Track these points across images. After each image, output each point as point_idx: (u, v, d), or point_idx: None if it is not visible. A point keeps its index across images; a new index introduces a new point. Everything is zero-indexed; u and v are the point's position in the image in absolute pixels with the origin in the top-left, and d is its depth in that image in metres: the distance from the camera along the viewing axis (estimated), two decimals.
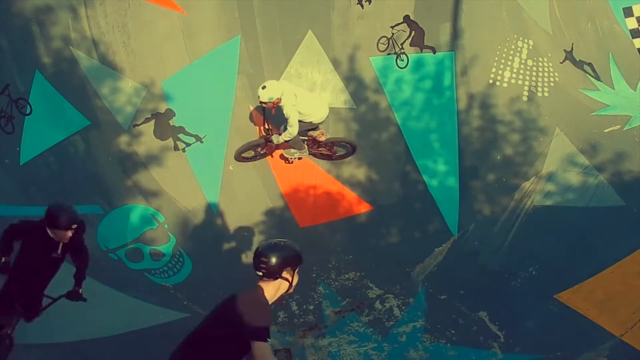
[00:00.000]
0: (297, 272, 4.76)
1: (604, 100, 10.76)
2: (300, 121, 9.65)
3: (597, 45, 11.50)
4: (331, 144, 10.30)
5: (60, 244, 6.24)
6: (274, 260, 4.56)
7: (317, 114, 9.80)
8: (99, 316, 7.99)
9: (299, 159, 10.38)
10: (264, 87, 9.31)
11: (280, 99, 9.34)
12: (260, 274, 4.58)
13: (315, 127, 10.09)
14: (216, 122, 10.36)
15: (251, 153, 10.34)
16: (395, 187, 10.41)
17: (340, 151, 10.46)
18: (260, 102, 9.48)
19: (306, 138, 10.14)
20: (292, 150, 10.23)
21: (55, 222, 6.03)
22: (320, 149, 10.34)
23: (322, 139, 10.16)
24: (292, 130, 9.61)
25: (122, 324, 8.04)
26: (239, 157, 10.25)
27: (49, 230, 6.08)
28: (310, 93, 10.14)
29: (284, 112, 9.49)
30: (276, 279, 4.61)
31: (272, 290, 4.63)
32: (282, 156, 10.46)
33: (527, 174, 10.03)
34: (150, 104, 10.14)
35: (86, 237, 8.94)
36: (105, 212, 9.37)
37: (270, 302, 4.61)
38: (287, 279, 4.67)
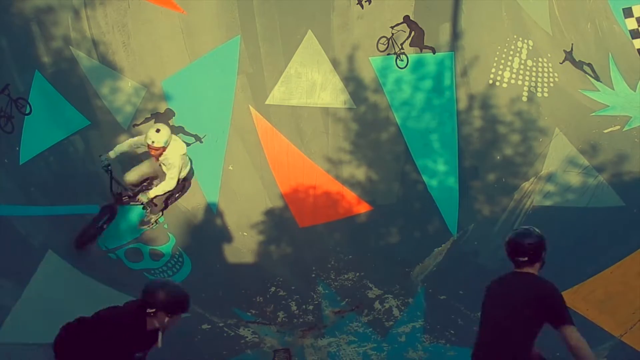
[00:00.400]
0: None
1: (603, 101, 10.77)
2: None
3: (596, 46, 11.50)
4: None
5: (161, 334, 4.75)
6: (539, 244, 5.02)
7: (186, 169, 9.09)
8: None
9: (156, 223, 9.44)
10: (158, 131, 8.37)
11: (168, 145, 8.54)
12: (526, 259, 5.01)
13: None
14: (216, 122, 10.36)
15: (90, 231, 8.71)
16: (395, 187, 10.41)
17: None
18: (151, 148, 8.44)
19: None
20: (146, 220, 9.27)
21: (184, 305, 4.81)
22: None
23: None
24: (172, 182, 8.68)
25: None
26: (81, 245, 8.53)
27: (166, 317, 4.67)
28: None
29: (170, 160, 8.59)
30: (539, 261, 5.06)
31: (537, 272, 5.06)
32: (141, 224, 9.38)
33: (527, 174, 10.03)
34: (149, 103, 10.15)
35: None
36: None
37: None
38: (544, 260, 5.09)
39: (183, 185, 9.39)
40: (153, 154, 8.58)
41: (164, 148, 8.49)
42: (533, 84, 10.73)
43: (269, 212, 10.17)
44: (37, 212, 8.88)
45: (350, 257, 9.74)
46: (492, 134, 10.48)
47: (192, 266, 9.33)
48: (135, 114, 10.04)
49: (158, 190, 8.64)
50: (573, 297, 8.38)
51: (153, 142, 8.37)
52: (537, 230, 5.10)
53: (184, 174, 9.04)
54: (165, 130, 8.46)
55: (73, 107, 9.64)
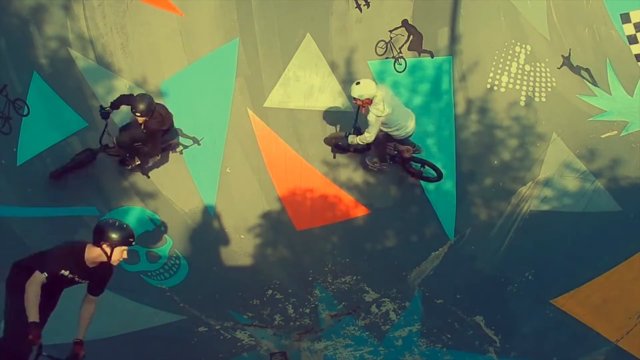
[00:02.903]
0: None
1: (601, 106, 10.79)
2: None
3: (594, 51, 11.52)
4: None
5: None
6: None
7: (404, 129, 9.44)
8: (95, 317, 7.97)
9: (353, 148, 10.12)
10: (357, 83, 9.11)
11: (371, 101, 9.04)
12: None
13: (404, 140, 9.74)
14: (214, 124, 10.35)
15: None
16: (392, 191, 10.41)
17: (430, 172, 10.16)
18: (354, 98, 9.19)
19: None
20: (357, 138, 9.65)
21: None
22: (405, 165, 10.19)
23: (407, 155, 9.81)
24: (369, 137, 9.32)
25: (118, 326, 8.02)
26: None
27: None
28: (403, 107, 9.57)
29: (368, 117, 9.20)
30: None
31: None
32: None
33: (524, 179, 10.05)
34: None
35: (82, 238, 8.97)
36: (102, 214, 9.35)
37: None
38: None
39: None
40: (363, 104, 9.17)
41: (362, 101, 9.11)
42: (531, 88, 10.75)
43: (266, 215, 10.16)
44: (33, 214, 8.86)
45: (347, 260, 9.74)
46: (490, 138, 10.49)
47: (189, 268, 9.32)
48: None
49: (360, 139, 9.42)
50: (569, 302, 8.40)
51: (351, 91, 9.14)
52: None
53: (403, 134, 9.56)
54: (365, 85, 9.09)
55: (71, 108, 9.62)
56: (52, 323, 7.58)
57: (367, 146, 9.82)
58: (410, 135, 9.54)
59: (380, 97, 9.03)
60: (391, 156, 9.97)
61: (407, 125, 9.37)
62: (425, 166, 9.95)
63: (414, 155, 9.80)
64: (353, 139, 9.57)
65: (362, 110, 9.35)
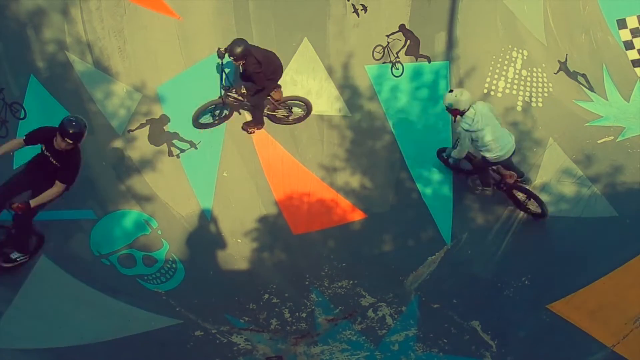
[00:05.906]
0: None
1: (597, 111, 10.82)
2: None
3: (591, 57, 11.56)
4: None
5: None
6: None
7: (495, 151, 9.02)
8: (90, 321, 7.96)
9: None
10: (450, 91, 8.96)
11: (460, 112, 8.81)
12: None
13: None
14: (211, 128, 10.37)
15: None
16: (389, 195, 10.42)
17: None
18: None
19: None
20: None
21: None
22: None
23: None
24: (457, 152, 9.22)
25: (114, 330, 8.00)
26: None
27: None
28: (499, 128, 9.06)
29: (457, 129, 9.04)
30: None
31: None
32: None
33: (521, 184, 10.05)
34: (145, 109, 10.14)
35: (79, 242, 8.97)
36: (99, 217, 9.34)
37: None
38: None
39: None
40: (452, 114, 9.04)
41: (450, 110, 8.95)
42: (528, 94, 10.77)
43: (263, 219, 10.16)
44: None
45: (343, 264, 9.73)
46: None
47: (186, 272, 9.31)
48: (130, 119, 10.03)
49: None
50: (565, 307, 8.40)
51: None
52: None
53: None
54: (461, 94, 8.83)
55: (68, 111, 9.61)
56: (53, 328, 7.60)
57: (473, 168, 9.76)
58: (508, 158, 9.20)
59: (472, 112, 8.78)
60: (496, 182, 9.63)
61: (501, 147, 9.01)
62: (531, 199, 9.47)
63: (520, 184, 9.53)
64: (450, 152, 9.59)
65: (454, 120, 9.17)
